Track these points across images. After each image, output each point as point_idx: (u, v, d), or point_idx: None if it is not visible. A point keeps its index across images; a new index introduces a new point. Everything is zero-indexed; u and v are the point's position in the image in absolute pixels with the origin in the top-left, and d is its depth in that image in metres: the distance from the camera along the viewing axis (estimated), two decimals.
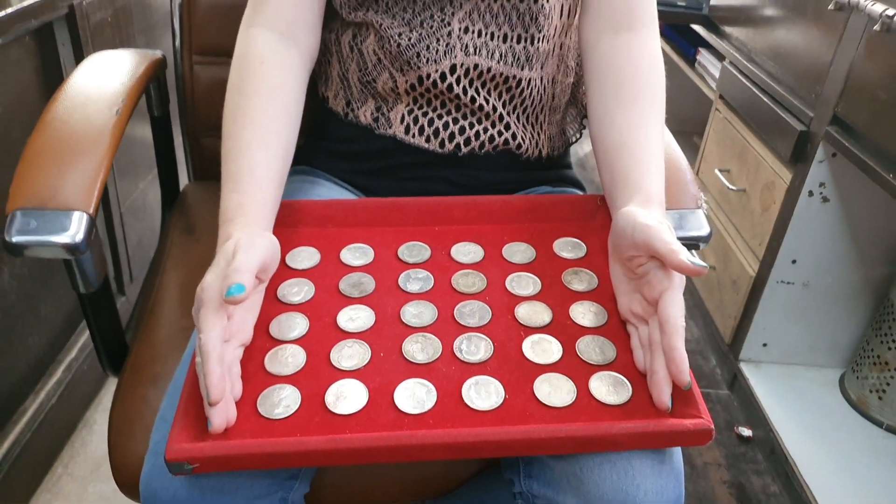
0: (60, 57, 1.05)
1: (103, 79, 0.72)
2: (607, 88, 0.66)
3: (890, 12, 0.97)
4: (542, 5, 0.68)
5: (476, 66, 0.69)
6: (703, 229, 0.64)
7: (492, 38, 0.69)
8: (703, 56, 1.75)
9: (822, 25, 1.16)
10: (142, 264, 1.35)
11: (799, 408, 1.28)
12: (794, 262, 1.24)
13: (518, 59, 0.70)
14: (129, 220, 1.29)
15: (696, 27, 1.74)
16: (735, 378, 1.38)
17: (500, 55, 0.70)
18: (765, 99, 1.32)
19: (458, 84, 0.70)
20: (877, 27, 1.00)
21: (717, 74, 1.58)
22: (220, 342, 0.47)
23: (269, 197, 0.59)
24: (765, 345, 1.34)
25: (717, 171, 1.49)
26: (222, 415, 0.46)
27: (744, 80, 1.41)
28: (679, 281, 0.50)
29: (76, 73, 0.73)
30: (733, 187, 1.42)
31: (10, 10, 0.88)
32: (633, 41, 0.67)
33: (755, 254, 1.32)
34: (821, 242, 1.22)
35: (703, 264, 0.49)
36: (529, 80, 0.72)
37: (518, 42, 0.70)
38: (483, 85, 0.70)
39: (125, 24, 1.22)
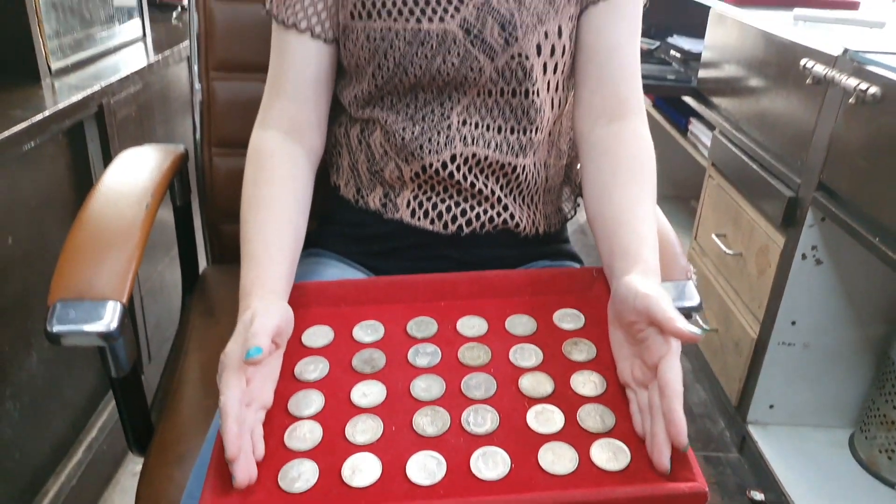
0: (89, 152, 1.12)
1: (133, 176, 0.79)
2: (604, 170, 0.72)
3: (863, 86, 1.04)
4: (534, 100, 0.75)
5: (474, 154, 0.75)
6: (694, 300, 0.68)
7: (488, 130, 0.75)
8: (695, 126, 1.82)
9: (803, 97, 1.23)
10: (159, 345, 1.39)
11: (810, 469, 1.28)
12: (793, 323, 1.27)
13: (513, 147, 0.76)
14: (148, 301, 1.34)
15: (687, 99, 1.82)
16: (744, 441, 1.39)
17: (497, 145, 0.76)
18: (754, 166, 1.38)
19: (458, 171, 0.75)
20: (851, 100, 1.06)
21: (708, 143, 1.65)
22: (240, 403, 0.52)
23: (283, 271, 0.65)
24: (771, 406, 1.36)
25: (713, 236, 1.54)
26: (244, 470, 0.50)
27: (733, 149, 1.48)
28: (676, 347, 0.54)
29: (108, 172, 0.79)
30: (730, 251, 1.46)
31: (47, 113, 0.96)
32: (626, 128, 0.74)
33: (755, 316, 1.35)
34: (818, 304, 1.25)
35: (698, 330, 0.53)
36: (524, 165, 0.77)
37: (512, 133, 0.76)
38: (481, 171, 0.76)
39: (147, 118, 1.31)
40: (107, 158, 1.15)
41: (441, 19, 0.72)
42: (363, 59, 0.74)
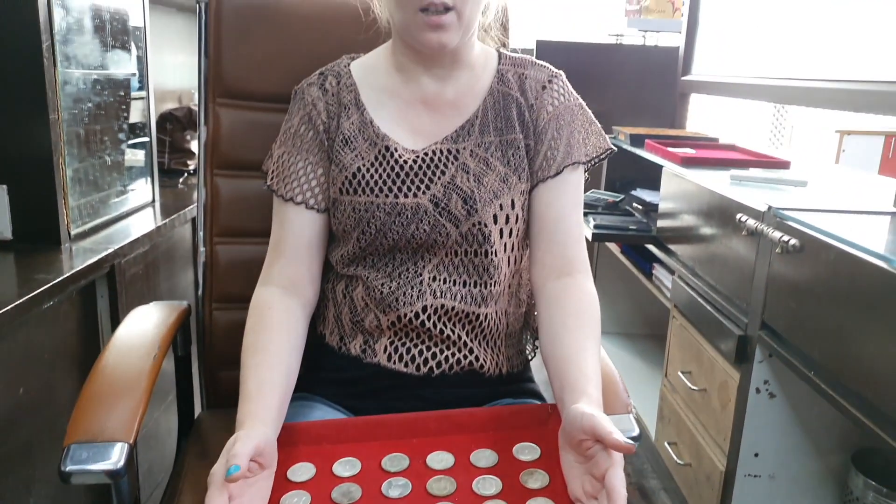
0: (98, 308, 1.24)
1: (142, 330, 0.90)
2: (555, 318, 0.84)
3: (785, 238, 1.18)
4: (492, 259, 0.88)
5: (443, 305, 0.87)
6: (634, 431, 0.78)
7: (454, 284, 0.88)
8: (658, 270, 1.97)
9: (742, 246, 1.38)
10: (150, 490, 1.43)
11: None
12: (756, 455, 1.34)
13: (476, 299, 0.88)
14: (142, 448, 1.40)
15: (650, 246, 1.99)
16: None
17: (462, 297, 0.88)
18: (708, 307, 1.50)
19: (429, 320, 0.87)
20: (778, 250, 1.21)
21: (670, 286, 1.79)
22: None
23: (273, 404, 0.76)
24: None
25: (680, 374, 1.64)
26: None
27: (691, 292, 1.61)
28: (619, 459, 0.65)
29: (121, 327, 0.90)
30: (695, 387, 1.55)
31: (66, 275, 1.08)
32: (573, 284, 0.87)
33: (722, 449, 1.42)
34: (777, 436, 1.33)
35: (632, 442, 0.63)
36: (487, 314, 0.89)
37: (475, 287, 0.89)
38: (449, 320, 0.88)
39: (153, 275, 1.43)
40: (114, 313, 1.26)
41: (415, 195, 0.87)
42: (349, 226, 0.88)
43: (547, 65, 0.95)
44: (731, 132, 3.30)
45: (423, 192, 0.87)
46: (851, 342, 1.02)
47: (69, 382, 1.18)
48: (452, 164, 0.89)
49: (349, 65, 0.95)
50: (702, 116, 2.71)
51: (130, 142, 1.52)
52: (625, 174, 2.52)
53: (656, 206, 2.02)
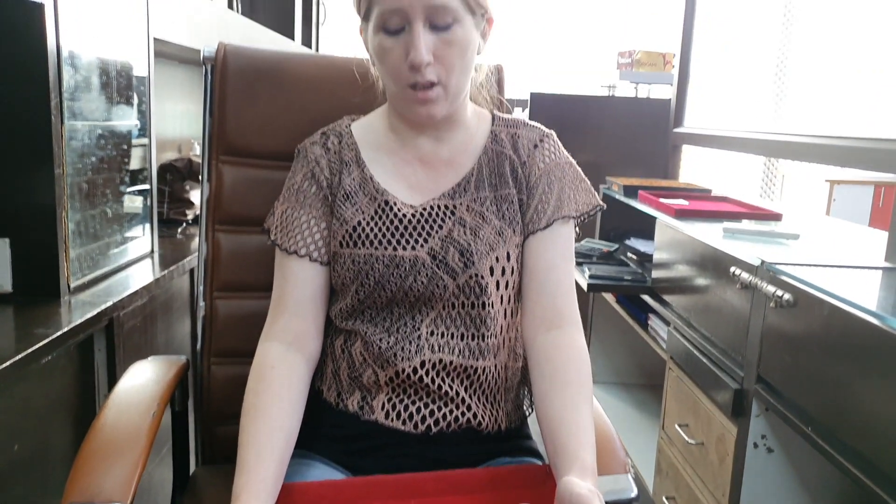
0: (95, 361, 1.23)
1: (141, 387, 0.90)
2: (545, 375, 0.84)
3: (779, 293, 1.20)
4: (489, 311, 0.89)
5: (441, 360, 0.88)
6: (632, 492, 0.77)
7: (452, 338, 0.89)
8: (653, 321, 1.98)
9: (737, 299, 1.40)
10: None
11: None
12: None
13: (473, 352, 0.89)
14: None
15: (645, 296, 2.00)
16: None
17: (459, 350, 0.89)
18: (704, 360, 1.51)
19: (427, 376, 0.88)
20: (772, 304, 1.22)
21: (666, 337, 1.80)
22: None
23: (270, 475, 0.75)
24: None
25: (677, 427, 1.63)
26: None
27: (686, 344, 1.62)
28: None
29: (120, 383, 0.90)
30: (692, 441, 1.55)
31: (65, 329, 1.09)
32: (562, 337, 0.87)
33: None
34: (775, 491, 1.32)
35: None
36: (485, 368, 0.90)
37: (473, 339, 0.89)
38: (448, 374, 0.88)
39: (151, 327, 1.44)
40: (111, 367, 1.26)
41: (413, 248, 0.89)
42: (348, 279, 0.90)
43: (539, 125, 0.98)
44: (723, 181, 3.36)
45: (422, 245, 0.89)
46: (847, 398, 1.03)
47: (65, 437, 1.17)
48: (450, 218, 0.91)
49: (350, 125, 0.98)
50: (694, 165, 2.76)
51: (130, 189, 1.54)
52: (619, 224, 2.55)
53: (651, 256, 2.04)
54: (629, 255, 2.30)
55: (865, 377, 0.99)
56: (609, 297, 2.43)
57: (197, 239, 1.86)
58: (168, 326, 1.55)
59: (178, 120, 2.32)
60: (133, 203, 1.58)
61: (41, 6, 1.16)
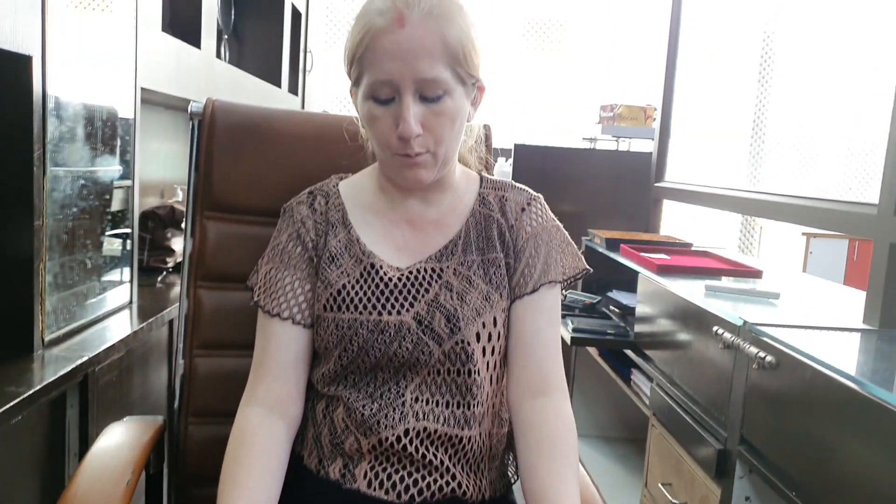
0: (67, 418, 1.20)
1: (115, 452, 0.87)
2: (530, 445, 0.83)
3: (762, 354, 1.20)
4: (475, 378, 0.88)
5: (425, 428, 0.86)
6: None
7: (437, 406, 0.88)
8: (636, 376, 1.98)
9: (719, 358, 1.40)
10: None
11: None
12: None
13: (458, 421, 0.88)
14: None
15: (627, 351, 2.00)
16: None
17: (444, 419, 0.87)
18: (687, 418, 1.50)
19: (411, 444, 0.86)
20: (755, 365, 1.22)
21: (648, 393, 1.79)
22: None
23: None
24: None
25: (660, 486, 1.62)
26: None
27: (669, 401, 1.62)
28: None
29: (94, 448, 0.87)
30: (676, 501, 1.53)
31: (37, 387, 1.06)
32: (548, 404, 0.87)
33: None
34: None
35: None
36: (470, 437, 0.88)
37: (458, 407, 0.88)
38: (432, 443, 0.87)
39: (126, 382, 1.40)
40: (83, 424, 1.22)
41: (398, 312, 0.88)
42: (332, 343, 0.88)
43: (526, 188, 0.99)
44: (702, 228, 3.40)
45: (407, 310, 0.88)
46: (831, 462, 1.03)
47: (31, 500, 1.13)
48: (436, 282, 0.90)
49: (338, 184, 0.98)
50: (674, 211, 2.79)
51: (110, 232, 1.52)
52: (601, 276, 2.56)
53: (633, 309, 2.05)
54: (612, 307, 2.31)
55: (848, 442, 0.99)
56: (592, 350, 2.43)
57: (177, 288, 1.84)
58: (144, 380, 1.51)
59: (160, 161, 2.30)
60: (112, 247, 1.55)
61: (29, 58, 1.16)
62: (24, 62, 1.15)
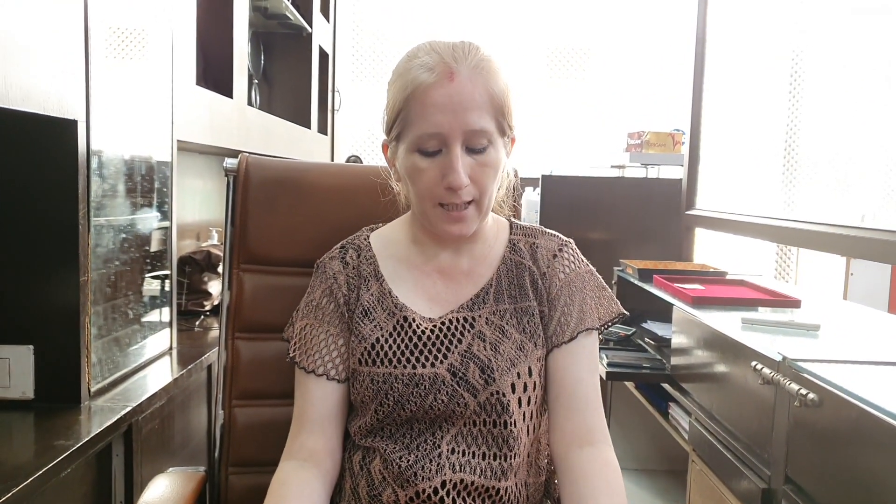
0: (113, 468, 1.23)
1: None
2: (583, 497, 0.83)
3: (803, 391, 1.18)
4: (512, 430, 0.88)
5: (462, 480, 0.86)
6: None
7: (473, 457, 0.88)
8: (674, 410, 1.95)
9: (760, 394, 1.37)
10: None
11: None
12: None
13: (495, 472, 0.88)
14: None
15: (665, 385, 1.97)
16: None
17: (481, 470, 0.87)
18: (729, 456, 1.47)
19: (448, 496, 0.86)
20: (796, 402, 1.20)
21: (687, 427, 1.76)
22: None
23: None
24: None
25: None
26: None
27: (710, 437, 1.59)
28: None
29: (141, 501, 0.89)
30: None
31: (85, 440, 1.08)
32: (596, 454, 0.87)
33: None
34: None
35: None
36: (507, 488, 0.88)
37: (495, 459, 0.88)
38: (469, 495, 0.87)
39: (168, 429, 1.43)
40: (129, 473, 1.25)
41: (433, 365, 0.89)
42: (368, 397, 0.90)
43: (557, 234, 1.00)
44: (737, 253, 3.34)
45: (441, 362, 0.89)
46: None
47: None
48: (469, 332, 0.91)
49: (368, 237, 1.00)
50: (707, 238, 2.76)
51: (149, 275, 1.56)
52: (634, 306, 2.53)
53: (668, 340, 2.02)
54: (647, 339, 2.28)
55: None
56: (629, 383, 2.39)
57: (214, 332, 1.87)
58: (185, 426, 1.54)
59: (196, 203, 2.35)
60: (151, 287, 1.59)
61: (74, 122, 1.21)
62: (70, 126, 1.21)
